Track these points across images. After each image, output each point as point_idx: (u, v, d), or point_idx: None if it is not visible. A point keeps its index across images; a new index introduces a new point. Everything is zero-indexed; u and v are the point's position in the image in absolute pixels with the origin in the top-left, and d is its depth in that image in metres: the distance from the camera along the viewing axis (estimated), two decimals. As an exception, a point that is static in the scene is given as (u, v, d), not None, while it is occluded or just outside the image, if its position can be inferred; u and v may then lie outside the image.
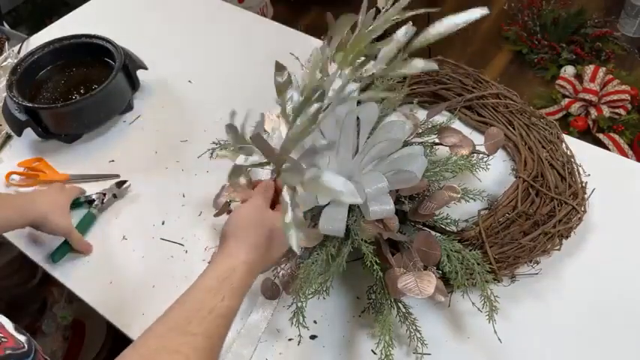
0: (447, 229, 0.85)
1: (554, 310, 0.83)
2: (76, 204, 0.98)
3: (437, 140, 0.91)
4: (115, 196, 1.01)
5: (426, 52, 2.29)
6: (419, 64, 0.64)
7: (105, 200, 0.99)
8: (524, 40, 2.45)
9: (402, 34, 0.64)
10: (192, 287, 0.55)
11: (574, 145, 0.99)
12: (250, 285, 0.58)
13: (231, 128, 0.60)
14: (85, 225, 0.96)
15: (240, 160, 0.63)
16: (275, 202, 0.66)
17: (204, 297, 0.53)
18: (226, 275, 0.55)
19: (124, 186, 1.02)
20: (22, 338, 0.50)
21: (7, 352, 0.47)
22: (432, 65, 0.64)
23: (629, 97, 2.10)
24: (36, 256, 0.94)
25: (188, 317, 0.51)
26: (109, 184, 1.02)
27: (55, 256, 0.92)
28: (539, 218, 0.85)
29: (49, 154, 1.11)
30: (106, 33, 1.19)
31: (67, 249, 0.92)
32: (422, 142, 0.92)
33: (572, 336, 0.80)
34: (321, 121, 0.61)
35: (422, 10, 0.64)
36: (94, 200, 0.99)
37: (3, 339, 0.48)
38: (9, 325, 0.51)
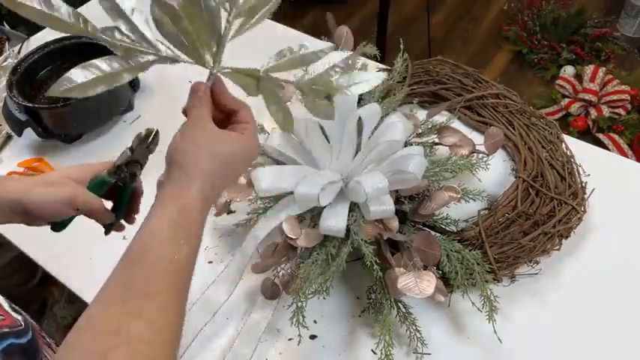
0: (447, 229, 0.85)
1: (554, 310, 0.83)
2: (100, 183, 0.66)
3: (437, 140, 0.91)
4: (131, 151, 0.66)
5: (426, 52, 2.29)
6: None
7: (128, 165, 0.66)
8: (524, 40, 2.45)
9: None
10: (142, 238, 0.47)
11: (574, 145, 0.99)
12: (206, 218, 0.51)
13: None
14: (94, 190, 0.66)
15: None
16: (221, 117, 0.56)
17: (159, 249, 0.46)
18: (179, 218, 0.47)
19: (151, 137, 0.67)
20: (18, 317, 0.50)
21: (5, 329, 0.46)
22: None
23: (628, 97, 2.10)
24: (36, 256, 0.94)
25: (145, 275, 0.45)
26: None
27: (58, 225, 0.67)
28: (539, 218, 0.85)
29: (49, 154, 1.11)
30: (106, 33, 1.19)
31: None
32: (422, 142, 0.92)
33: (572, 336, 0.80)
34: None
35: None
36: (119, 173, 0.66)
37: (0, 317, 0.47)
38: (5, 304, 0.50)
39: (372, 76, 0.56)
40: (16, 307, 0.51)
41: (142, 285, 0.44)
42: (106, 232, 0.69)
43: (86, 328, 0.43)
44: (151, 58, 0.51)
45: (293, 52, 0.54)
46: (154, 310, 0.43)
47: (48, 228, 0.83)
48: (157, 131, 0.66)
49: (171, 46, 0.51)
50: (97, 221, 0.65)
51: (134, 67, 0.50)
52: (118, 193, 0.67)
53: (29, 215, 0.62)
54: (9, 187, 0.61)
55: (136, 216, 0.67)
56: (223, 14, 0.53)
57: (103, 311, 0.43)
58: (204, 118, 0.52)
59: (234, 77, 0.54)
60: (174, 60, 0.52)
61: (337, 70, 0.55)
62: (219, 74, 0.54)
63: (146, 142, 0.66)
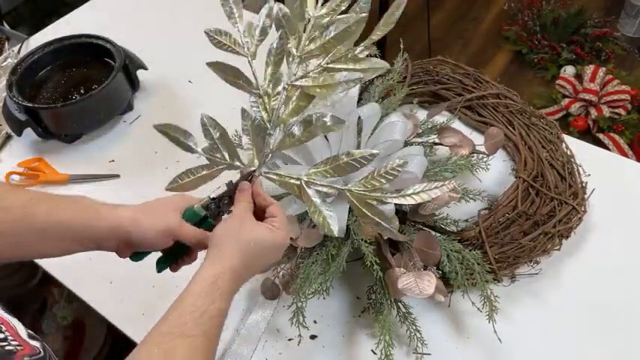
0: (447, 229, 0.85)
1: (554, 310, 0.83)
2: (191, 215, 0.67)
3: (437, 140, 0.91)
4: (228, 186, 0.69)
5: (426, 52, 2.29)
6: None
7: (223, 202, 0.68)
8: (524, 40, 2.45)
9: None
10: (183, 293, 0.57)
11: (574, 145, 0.99)
12: (237, 289, 0.61)
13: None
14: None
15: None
16: (258, 210, 0.66)
17: (195, 301, 0.56)
18: (212, 280, 0.57)
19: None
20: (37, 344, 0.50)
21: (26, 358, 0.46)
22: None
23: (629, 97, 2.10)
24: (36, 256, 0.94)
25: (183, 320, 0.54)
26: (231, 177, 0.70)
27: (140, 257, 0.68)
28: (539, 218, 0.85)
29: (49, 154, 1.11)
30: (106, 33, 1.19)
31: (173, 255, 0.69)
32: (422, 142, 0.92)
33: (572, 336, 0.80)
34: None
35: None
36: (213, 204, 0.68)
37: (19, 347, 0.47)
38: (22, 331, 0.51)
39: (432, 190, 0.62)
40: (32, 333, 0.51)
41: (180, 327, 0.54)
42: (159, 270, 0.70)
43: (136, 356, 0.51)
44: (222, 166, 0.68)
45: (338, 159, 0.63)
46: (186, 347, 0.52)
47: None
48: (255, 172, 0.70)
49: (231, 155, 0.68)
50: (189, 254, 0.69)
51: (213, 172, 0.69)
52: (198, 226, 0.67)
53: (129, 244, 0.65)
54: (120, 218, 0.63)
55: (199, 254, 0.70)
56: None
57: (147, 347, 0.52)
58: (245, 211, 0.64)
59: (278, 182, 0.66)
60: (233, 166, 0.68)
61: (385, 175, 0.61)
62: (261, 177, 0.68)
63: (245, 180, 0.68)
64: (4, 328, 0.48)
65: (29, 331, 0.51)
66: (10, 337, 0.48)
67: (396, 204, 0.80)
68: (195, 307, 0.55)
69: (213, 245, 0.61)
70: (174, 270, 0.70)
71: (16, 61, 1.18)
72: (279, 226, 0.64)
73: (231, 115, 1.14)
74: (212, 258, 0.60)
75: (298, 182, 0.64)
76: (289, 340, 0.82)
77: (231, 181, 0.69)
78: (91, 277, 0.91)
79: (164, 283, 0.89)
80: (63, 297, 1.39)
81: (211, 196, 0.67)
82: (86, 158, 1.11)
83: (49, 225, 0.62)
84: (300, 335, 0.78)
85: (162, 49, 1.31)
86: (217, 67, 0.68)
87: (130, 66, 1.15)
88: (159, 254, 0.70)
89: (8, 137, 1.14)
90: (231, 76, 0.68)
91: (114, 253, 0.81)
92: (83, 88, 1.14)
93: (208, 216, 0.67)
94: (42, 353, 0.49)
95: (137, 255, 0.67)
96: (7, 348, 0.46)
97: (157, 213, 0.65)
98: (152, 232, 0.63)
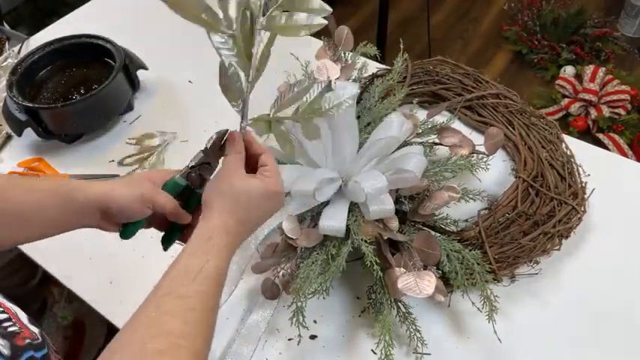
0: (447, 229, 0.85)
1: (554, 310, 0.83)
2: (172, 185, 0.67)
3: (437, 140, 0.91)
4: (204, 152, 0.67)
5: (426, 52, 2.29)
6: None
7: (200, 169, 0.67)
8: (524, 40, 2.45)
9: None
10: (177, 256, 0.57)
11: (574, 145, 0.99)
12: (234, 245, 0.60)
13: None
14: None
15: None
16: (250, 161, 0.65)
17: (189, 261, 0.56)
18: (206, 238, 0.58)
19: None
20: (35, 330, 0.51)
21: (27, 341, 0.47)
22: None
23: (628, 97, 2.10)
24: (36, 256, 0.94)
25: (179, 282, 0.54)
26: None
27: (127, 231, 0.67)
28: (539, 218, 0.85)
29: (49, 154, 1.11)
30: (106, 33, 1.19)
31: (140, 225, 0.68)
32: (422, 142, 0.92)
33: (571, 336, 0.80)
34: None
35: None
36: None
37: (19, 330, 0.48)
38: (23, 316, 0.51)
39: (346, 89, 0.65)
40: (33, 320, 0.52)
41: (176, 288, 0.53)
42: (165, 247, 0.70)
43: (129, 323, 0.51)
44: None
45: (289, 92, 0.65)
46: (184, 309, 0.52)
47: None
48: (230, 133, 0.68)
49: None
50: (175, 221, 0.68)
51: None
52: (186, 199, 0.67)
53: (109, 215, 0.65)
54: (96, 188, 0.64)
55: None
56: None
57: (143, 310, 0.52)
58: (233, 164, 0.63)
59: (253, 124, 0.66)
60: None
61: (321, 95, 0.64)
62: (247, 127, 0.65)
63: (219, 143, 0.67)
64: (5, 312, 0.49)
65: (30, 318, 0.52)
66: (12, 320, 0.49)
67: (395, 205, 0.80)
68: (190, 268, 0.55)
69: (205, 206, 0.62)
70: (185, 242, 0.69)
71: (16, 61, 1.18)
72: (269, 175, 0.63)
73: (232, 112, 1.14)
74: (204, 218, 0.60)
75: (268, 119, 0.65)
76: (289, 340, 0.82)
77: (206, 147, 0.67)
78: (91, 277, 0.91)
79: (164, 283, 0.89)
80: (63, 297, 1.39)
81: (190, 165, 0.67)
82: (86, 158, 1.11)
83: (29, 204, 0.62)
84: (300, 335, 0.78)
85: (163, 49, 1.31)
86: None
87: (130, 66, 1.15)
88: (151, 245, 0.70)
89: (8, 137, 1.15)
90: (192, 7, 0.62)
91: (113, 254, 0.82)
92: (83, 88, 1.14)
93: (191, 186, 0.67)
94: (40, 339, 0.50)
95: (125, 231, 0.67)
96: (10, 329, 0.47)
97: (131, 182, 0.65)
98: (127, 199, 0.63)
